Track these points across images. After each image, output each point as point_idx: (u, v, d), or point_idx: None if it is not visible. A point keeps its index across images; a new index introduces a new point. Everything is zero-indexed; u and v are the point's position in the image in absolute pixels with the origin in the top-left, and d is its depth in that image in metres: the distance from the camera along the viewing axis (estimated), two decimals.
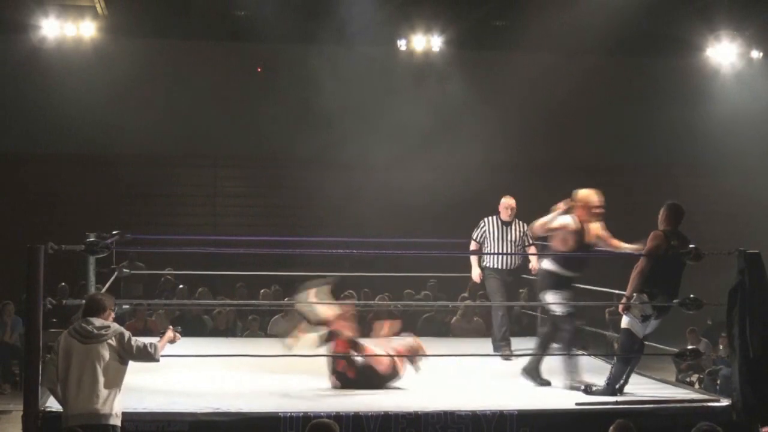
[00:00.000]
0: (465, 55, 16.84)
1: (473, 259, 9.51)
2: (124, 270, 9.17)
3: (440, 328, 12.58)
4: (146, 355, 6.01)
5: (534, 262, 9.57)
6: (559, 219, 7.75)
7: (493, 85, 16.59)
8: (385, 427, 6.43)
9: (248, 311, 12.38)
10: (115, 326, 6.03)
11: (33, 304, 6.29)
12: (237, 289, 13.70)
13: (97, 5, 15.41)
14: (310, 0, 15.16)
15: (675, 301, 7.20)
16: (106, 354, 5.88)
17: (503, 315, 9.49)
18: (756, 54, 17.18)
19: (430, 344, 10.15)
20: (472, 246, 9.53)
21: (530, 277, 10.46)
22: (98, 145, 16.28)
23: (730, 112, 16.92)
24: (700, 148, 17.43)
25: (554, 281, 7.67)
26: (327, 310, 7.90)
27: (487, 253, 9.39)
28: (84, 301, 6.38)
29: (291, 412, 6.42)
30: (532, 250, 9.51)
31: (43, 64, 15.67)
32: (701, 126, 17.03)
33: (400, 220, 15.73)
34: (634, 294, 7.20)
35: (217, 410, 6.50)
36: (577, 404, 6.95)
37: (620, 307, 7.45)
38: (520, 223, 9.49)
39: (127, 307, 9.89)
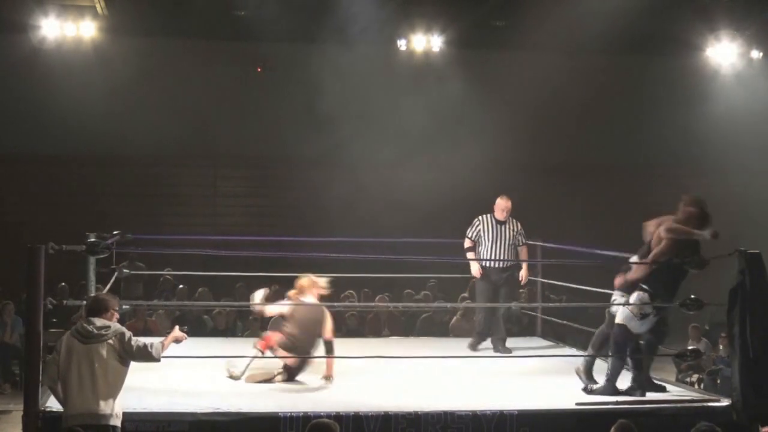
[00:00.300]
0: (465, 55, 16.82)
1: (470, 255, 9.56)
2: (124, 270, 9.16)
3: (439, 328, 12.59)
4: (147, 355, 6.01)
5: (524, 272, 9.61)
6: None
7: (493, 85, 16.58)
8: (385, 427, 6.43)
9: (248, 311, 12.37)
10: (116, 326, 6.03)
11: (33, 304, 6.30)
12: (237, 289, 13.69)
13: (97, 5, 15.41)
14: (310, 0, 15.16)
15: (676, 302, 7.21)
16: (107, 354, 5.89)
17: (484, 317, 9.63)
18: (756, 54, 17.18)
19: (430, 344, 10.23)
20: (467, 243, 9.57)
21: (531, 277, 10.48)
22: (98, 145, 16.28)
23: (730, 112, 16.91)
24: (700, 148, 17.42)
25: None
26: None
27: (479, 259, 9.46)
28: (85, 301, 6.38)
29: (291, 412, 6.42)
30: (524, 249, 9.57)
31: (43, 64, 15.66)
32: (701, 126, 17.02)
33: (400, 220, 15.72)
34: (637, 292, 7.18)
35: (217, 410, 6.50)
36: (577, 404, 6.95)
37: (616, 283, 7.39)
38: (514, 221, 9.53)
39: (127, 307, 9.87)
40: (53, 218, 15.35)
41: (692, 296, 7.13)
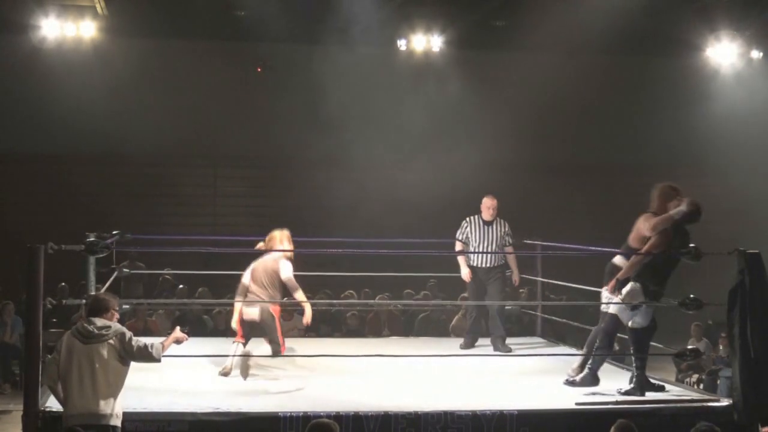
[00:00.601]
0: (465, 55, 16.82)
1: (460, 258, 9.65)
2: (124, 270, 9.18)
3: (437, 328, 12.60)
4: (147, 355, 6.02)
5: (516, 275, 9.65)
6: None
7: (493, 85, 16.59)
8: (385, 427, 6.43)
9: None
10: (116, 326, 6.04)
11: (33, 304, 6.30)
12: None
13: (97, 5, 15.40)
14: (310, 0, 15.15)
15: (674, 301, 7.20)
16: (107, 354, 5.89)
17: (477, 317, 9.79)
18: (756, 54, 17.18)
19: (430, 344, 10.24)
20: (458, 246, 9.68)
21: (531, 277, 10.49)
22: (98, 145, 16.28)
23: (730, 112, 16.91)
24: (700, 148, 17.42)
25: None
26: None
27: (461, 252, 9.56)
28: (85, 301, 6.38)
29: (291, 412, 6.42)
30: (511, 250, 9.62)
31: (43, 64, 15.66)
32: (701, 126, 17.02)
33: (400, 220, 15.72)
34: (629, 285, 7.19)
35: (217, 410, 6.50)
36: (577, 404, 6.96)
37: (609, 288, 7.43)
38: (502, 222, 9.62)
39: (127, 307, 9.88)
40: (53, 218, 15.35)
41: (692, 296, 7.12)
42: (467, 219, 9.64)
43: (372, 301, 13.04)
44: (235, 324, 8.12)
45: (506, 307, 10.45)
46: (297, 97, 16.41)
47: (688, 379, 11.61)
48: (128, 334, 6.02)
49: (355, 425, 6.39)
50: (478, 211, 9.60)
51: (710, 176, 17.78)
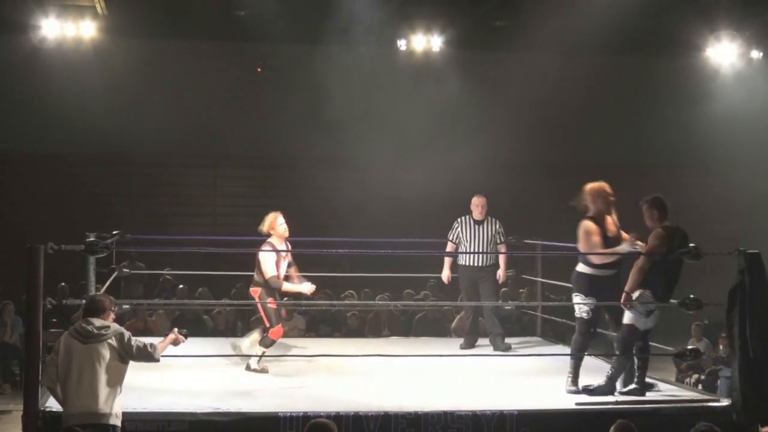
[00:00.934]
0: (465, 55, 16.82)
1: (446, 260, 9.76)
2: (124, 270, 9.18)
3: (435, 327, 12.60)
4: (146, 355, 6.03)
5: (502, 271, 9.68)
6: (594, 234, 7.46)
7: (493, 85, 16.57)
8: (385, 427, 6.43)
9: (249, 311, 12.38)
10: (115, 326, 6.06)
11: (33, 304, 6.30)
12: (237, 289, 13.68)
13: (97, 5, 15.39)
14: (310, 0, 15.14)
15: (674, 301, 7.21)
16: (107, 354, 5.90)
17: (473, 316, 9.87)
18: (756, 54, 17.17)
19: (430, 344, 10.24)
20: (449, 247, 9.77)
21: (530, 277, 10.49)
22: (98, 145, 16.27)
23: (730, 112, 16.91)
24: (700, 148, 17.42)
25: (580, 284, 7.48)
26: None
27: (450, 254, 9.66)
28: (84, 302, 6.39)
29: (291, 412, 6.43)
30: (503, 248, 9.67)
31: (43, 65, 15.65)
32: (701, 126, 17.02)
33: (400, 220, 15.72)
34: (637, 291, 7.18)
35: (217, 410, 6.51)
36: (577, 404, 6.96)
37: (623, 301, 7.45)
38: (493, 220, 9.68)
39: (127, 307, 9.90)
40: (53, 218, 15.35)
41: (692, 296, 7.12)
42: (458, 219, 9.75)
43: (372, 302, 13.04)
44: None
45: (506, 307, 10.47)
46: (297, 97, 16.41)
47: (688, 379, 11.61)
48: (127, 334, 6.04)
49: (355, 425, 6.39)
50: (471, 211, 9.65)
51: (710, 176, 17.79)
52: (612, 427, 5.56)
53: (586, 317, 7.43)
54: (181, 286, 13.50)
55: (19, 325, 11.83)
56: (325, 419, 5.46)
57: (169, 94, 16.23)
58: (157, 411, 6.45)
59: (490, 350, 9.52)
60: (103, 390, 5.84)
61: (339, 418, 6.22)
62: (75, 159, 16.59)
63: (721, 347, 11.57)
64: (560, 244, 9.56)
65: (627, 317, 7.31)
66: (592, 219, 7.50)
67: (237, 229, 16.49)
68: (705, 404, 7.16)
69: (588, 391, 7.32)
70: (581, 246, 7.45)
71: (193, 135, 16.68)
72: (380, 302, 12.91)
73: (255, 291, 8.31)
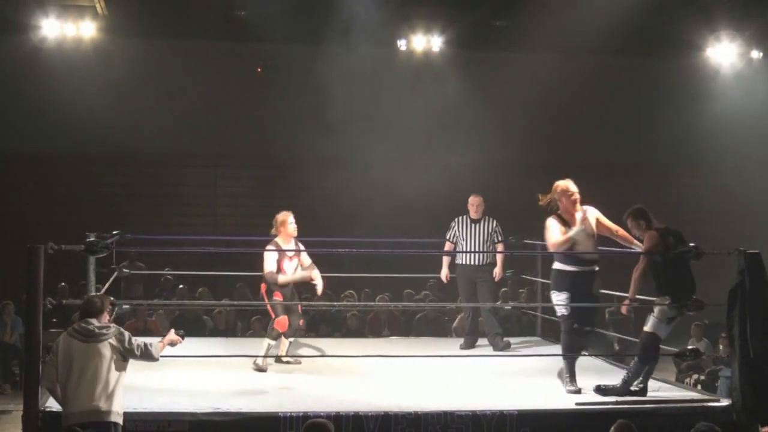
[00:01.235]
0: (465, 55, 16.81)
1: (444, 259, 9.80)
2: (124, 270, 9.18)
3: (434, 327, 12.59)
4: (146, 355, 6.05)
5: (499, 270, 9.68)
6: (552, 229, 7.59)
7: (493, 85, 16.56)
8: (385, 427, 6.43)
9: (249, 311, 12.38)
10: (115, 326, 6.08)
11: (33, 304, 6.31)
12: (237, 289, 13.69)
13: (97, 5, 15.39)
14: (310, 0, 15.14)
15: (668, 301, 7.20)
16: (108, 353, 5.91)
17: (471, 316, 9.90)
18: (756, 54, 17.16)
19: (430, 344, 10.24)
20: (447, 246, 9.82)
21: (530, 277, 10.48)
22: (98, 145, 16.26)
23: (730, 112, 16.90)
24: (700, 148, 17.41)
25: (556, 281, 7.55)
26: None
27: (448, 253, 9.70)
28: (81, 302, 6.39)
29: (291, 412, 6.43)
30: (500, 246, 9.69)
31: (43, 64, 15.64)
32: (701, 126, 17.01)
33: (400, 220, 15.72)
34: (657, 299, 7.19)
35: (217, 410, 6.51)
36: (577, 404, 6.96)
37: (623, 308, 7.46)
38: (490, 219, 9.71)
39: (127, 307, 9.90)
40: (53, 218, 15.35)
41: (693, 297, 7.12)
42: (456, 219, 9.80)
43: (372, 303, 13.04)
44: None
45: (506, 307, 10.47)
46: (297, 97, 16.40)
47: (687, 379, 11.60)
48: (127, 333, 6.07)
49: (355, 425, 6.40)
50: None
51: (710, 176, 17.77)
52: (612, 427, 5.57)
53: (565, 313, 7.46)
54: (181, 286, 13.50)
55: (19, 325, 11.83)
56: (323, 419, 5.46)
57: (169, 94, 16.22)
58: (157, 411, 6.46)
59: (490, 350, 9.53)
60: (104, 388, 5.85)
61: (339, 418, 6.22)
62: (75, 159, 16.57)
63: (721, 347, 11.57)
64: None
65: (649, 325, 7.31)
66: (557, 216, 7.56)
67: (237, 229, 16.52)
68: (705, 404, 7.17)
69: (601, 390, 7.31)
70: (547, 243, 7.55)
71: (193, 135, 16.68)
72: (380, 303, 12.91)
73: (263, 286, 8.52)
